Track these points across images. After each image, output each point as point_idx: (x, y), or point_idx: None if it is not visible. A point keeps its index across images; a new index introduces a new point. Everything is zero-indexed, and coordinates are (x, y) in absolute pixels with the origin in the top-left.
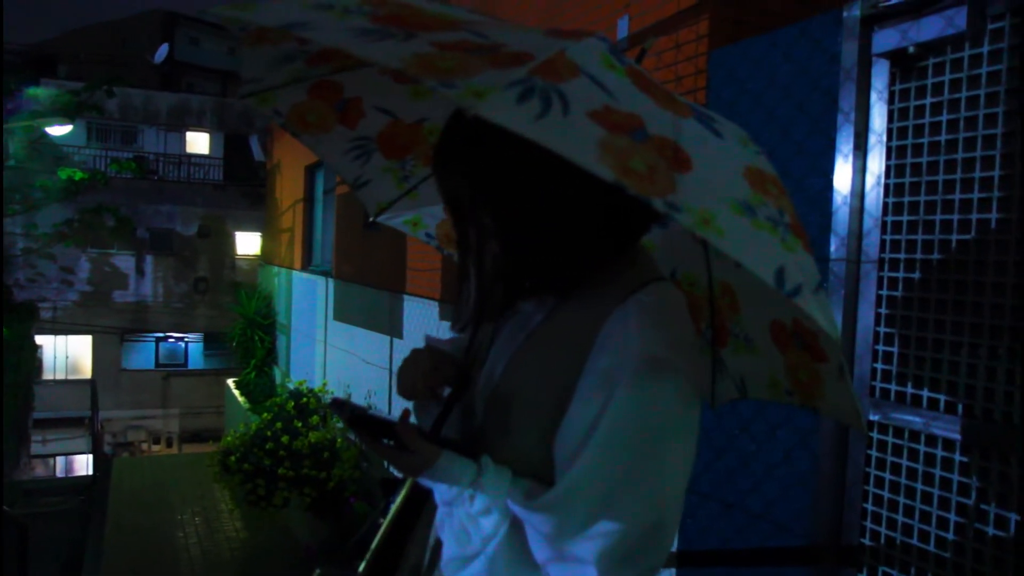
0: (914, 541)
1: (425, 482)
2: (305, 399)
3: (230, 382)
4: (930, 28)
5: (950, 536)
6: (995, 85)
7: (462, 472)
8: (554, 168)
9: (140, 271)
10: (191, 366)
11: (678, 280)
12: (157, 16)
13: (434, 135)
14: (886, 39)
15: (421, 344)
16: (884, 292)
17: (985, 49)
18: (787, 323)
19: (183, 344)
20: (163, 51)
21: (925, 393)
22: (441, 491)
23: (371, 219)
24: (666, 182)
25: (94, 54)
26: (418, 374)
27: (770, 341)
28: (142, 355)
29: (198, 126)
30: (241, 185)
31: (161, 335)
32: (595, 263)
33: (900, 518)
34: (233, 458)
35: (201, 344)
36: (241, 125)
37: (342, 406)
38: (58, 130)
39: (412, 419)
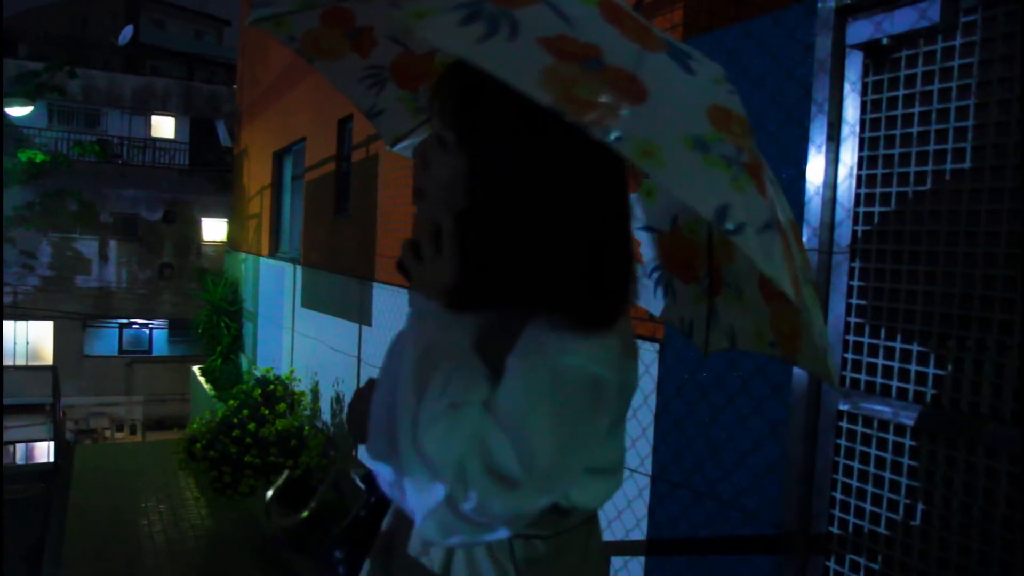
0: (882, 529)
1: (415, 303)
2: (272, 386)
3: (195, 369)
4: (903, 20)
5: (917, 524)
6: (967, 78)
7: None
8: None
9: (103, 256)
10: (155, 353)
11: (679, 226)
12: None
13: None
14: (860, 30)
15: (392, 331)
16: (855, 283)
17: (958, 42)
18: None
19: (147, 331)
20: (127, 33)
21: (894, 383)
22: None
23: (388, 148)
24: (609, 111)
25: (56, 34)
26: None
27: (758, 292)
28: (105, 341)
29: (163, 110)
30: (207, 170)
31: (125, 321)
32: (544, 300)
33: (868, 506)
34: (199, 445)
35: (166, 331)
36: (207, 110)
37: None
38: (18, 111)
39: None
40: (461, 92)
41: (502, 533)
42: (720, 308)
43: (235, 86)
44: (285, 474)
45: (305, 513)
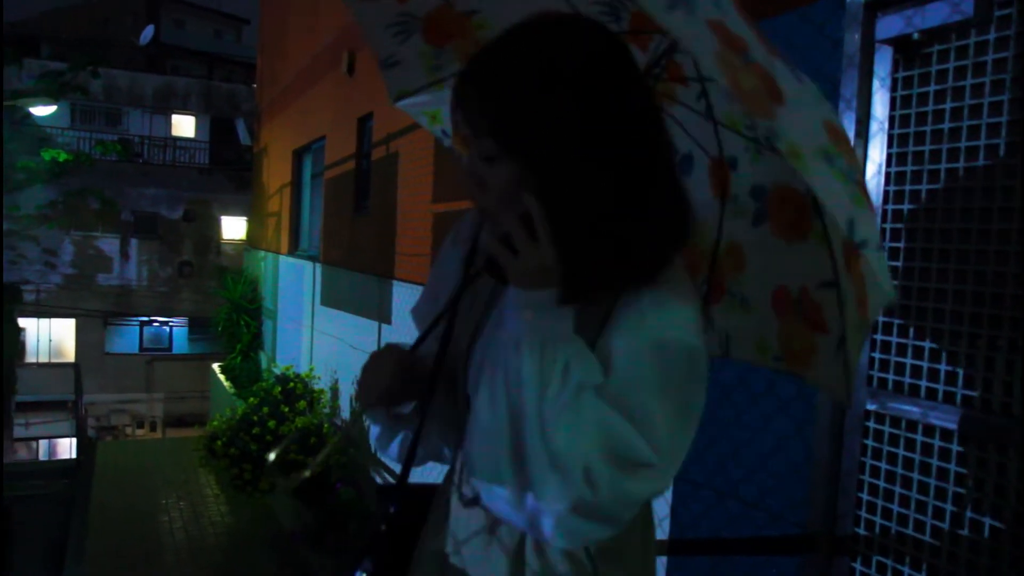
0: (909, 530)
1: (513, 299)
2: (292, 384)
3: (215, 367)
4: (935, 14)
5: (945, 526)
6: (1001, 73)
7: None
8: (623, 145)
9: (125, 254)
10: (176, 350)
11: None
12: None
13: (482, 29)
14: (890, 25)
15: (412, 328)
16: None
17: (991, 36)
18: (793, 292)
19: (168, 328)
20: (148, 32)
21: (923, 383)
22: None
23: (392, 102)
24: (767, 107)
25: (77, 34)
26: (385, 379)
27: (769, 305)
28: (126, 339)
29: (184, 109)
30: (227, 169)
31: (145, 319)
32: (629, 275)
33: (895, 507)
34: (219, 442)
35: (186, 329)
36: (228, 108)
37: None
38: (41, 111)
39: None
40: (496, 96)
41: (627, 521)
42: (716, 315)
43: (255, 85)
44: (287, 440)
45: (307, 472)
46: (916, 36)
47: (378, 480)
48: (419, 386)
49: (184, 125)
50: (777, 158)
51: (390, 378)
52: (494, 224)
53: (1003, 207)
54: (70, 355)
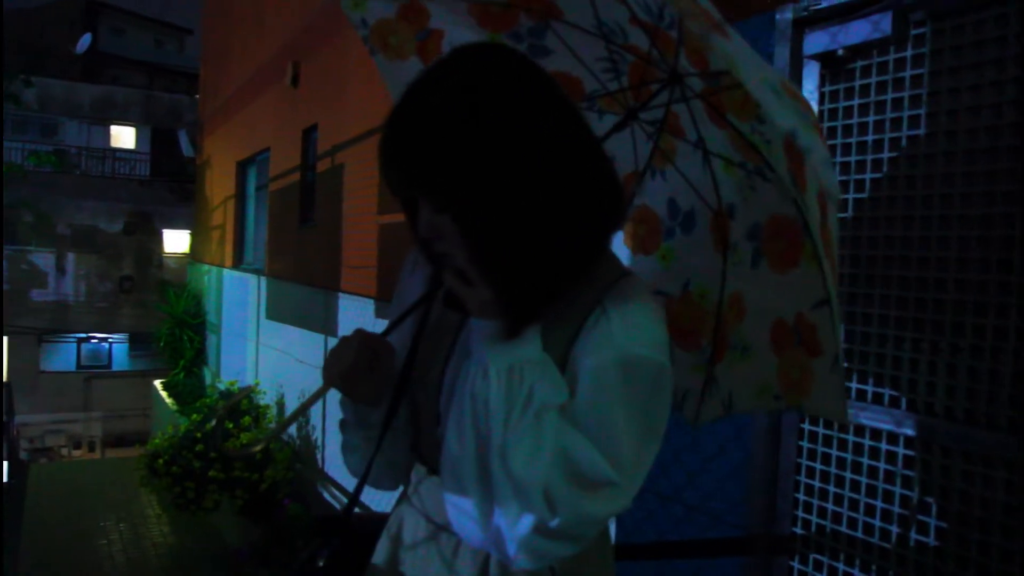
0: (843, 528)
1: (477, 329)
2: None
3: (157, 383)
4: (858, 32)
5: (878, 523)
6: (918, 88)
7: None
8: (528, 168)
9: (61, 269)
10: (115, 367)
11: (690, 292)
12: (79, 4)
13: None
14: (816, 41)
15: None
16: None
17: (908, 53)
18: (789, 320)
19: (107, 345)
20: (85, 41)
21: (854, 385)
22: (489, 348)
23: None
24: (718, 29)
25: (11, 42)
26: (349, 357)
27: (768, 344)
28: (62, 356)
29: (124, 120)
30: (169, 181)
31: (83, 335)
32: (572, 276)
33: (831, 506)
34: (161, 461)
35: (126, 345)
36: (169, 119)
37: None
38: None
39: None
40: (404, 152)
41: (591, 538)
42: (720, 375)
43: (197, 95)
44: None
45: (258, 448)
46: (841, 52)
47: (326, 495)
48: (383, 374)
49: (124, 136)
50: (768, 187)
51: (354, 355)
52: (452, 261)
53: (923, 215)
54: (1, 374)
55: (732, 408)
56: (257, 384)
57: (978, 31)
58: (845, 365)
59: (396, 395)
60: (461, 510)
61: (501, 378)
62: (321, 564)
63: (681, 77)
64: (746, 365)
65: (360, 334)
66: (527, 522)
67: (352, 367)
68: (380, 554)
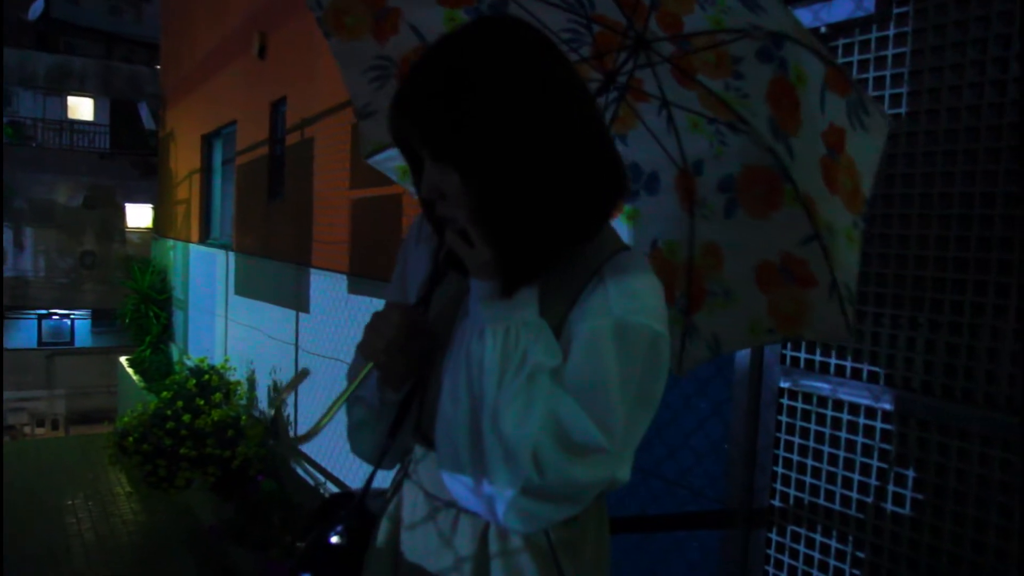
0: (821, 500)
1: (475, 290)
2: (207, 376)
3: (123, 360)
4: (840, 9)
5: (855, 495)
6: (900, 67)
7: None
8: (537, 135)
9: (19, 244)
10: (78, 344)
11: (659, 248)
12: None
13: None
14: (799, 19)
15: (330, 317)
16: None
17: (891, 32)
18: (775, 260)
19: (69, 321)
20: (38, 7)
21: (832, 360)
22: (487, 306)
23: (364, 158)
24: None
25: None
26: (391, 330)
27: (754, 285)
28: (23, 333)
29: (81, 90)
30: (131, 154)
31: (44, 312)
32: (572, 241)
33: (808, 479)
34: (131, 439)
35: (89, 321)
36: (129, 91)
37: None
38: None
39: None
40: (418, 109)
41: (582, 504)
42: (700, 322)
43: (158, 67)
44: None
45: (315, 433)
46: (823, 30)
47: (299, 471)
48: (418, 349)
49: (82, 108)
50: (742, 139)
51: (395, 330)
52: (454, 224)
53: (903, 194)
54: None
55: (720, 349)
56: (227, 360)
57: (961, 10)
58: (852, 290)
59: (423, 373)
60: (455, 472)
61: (497, 339)
62: (335, 541)
63: (648, 43)
64: (731, 308)
65: (399, 308)
66: (515, 483)
67: (393, 342)
68: (380, 536)
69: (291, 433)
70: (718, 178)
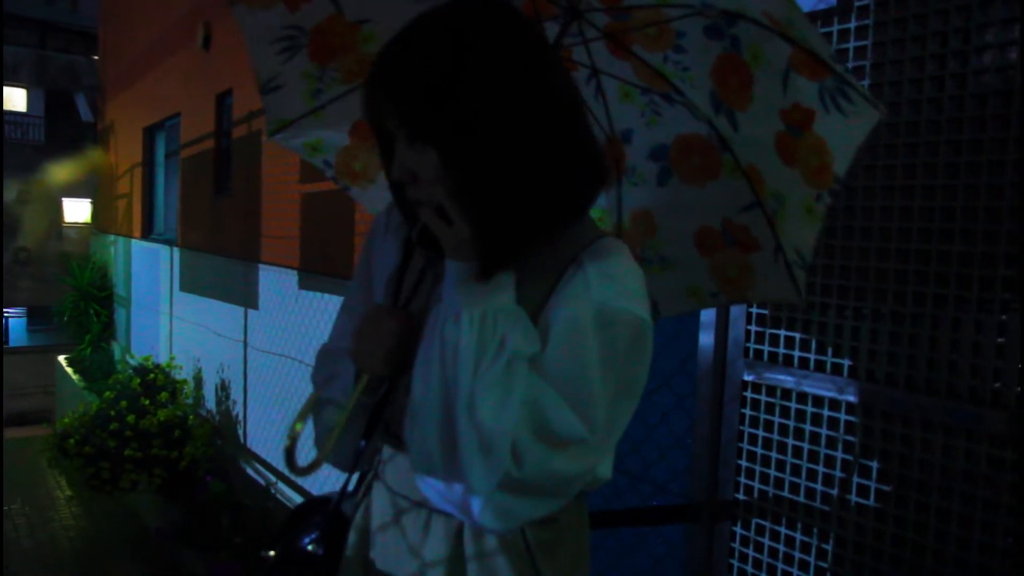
0: (785, 493)
1: (451, 273)
2: (152, 375)
3: (61, 359)
4: (803, 1)
5: (819, 487)
6: (861, 59)
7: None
8: (522, 114)
9: None
10: (13, 343)
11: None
12: None
13: (368, 43)
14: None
15: (281, 313)
16: None
17: (852, 24)
18: (716, 226)
19: (2, 320)
20: None
21: (796, 353)
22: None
23: (268, 136)
24: None
25: None
26: (389, 340)
27: (694, 251)
28: None
29: (13, 81)
30: (68, 147)
31: None
32: (553, 223)
33: (773, 472)
34: (72, 441)
35: (24, 320)
36: (65, 82)
37: None
38: None
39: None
40: (398, 86)
41: (562, 500)
42: None
43: (96, 57)
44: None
45: (323, 459)
46: None
47: (249, 471)
48: (415, 348)
49: (15, 98)
50: (678, 109)
51: (394, 338)
52: (430, 203)
53: (865, 186)
54: None
55: (659, 314)
56: (173, 359)
57: (921, 4)
58: (805, 257)
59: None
60: (426, 468)
61: (474, 324)
62: (310, 549)
63: (581, 13)
64: (668, 274)
65: (391, 313)
66: (493, 476)
67: (393, 352)
68: (349, 544)
69: (239, 434)
70: (650, 147)
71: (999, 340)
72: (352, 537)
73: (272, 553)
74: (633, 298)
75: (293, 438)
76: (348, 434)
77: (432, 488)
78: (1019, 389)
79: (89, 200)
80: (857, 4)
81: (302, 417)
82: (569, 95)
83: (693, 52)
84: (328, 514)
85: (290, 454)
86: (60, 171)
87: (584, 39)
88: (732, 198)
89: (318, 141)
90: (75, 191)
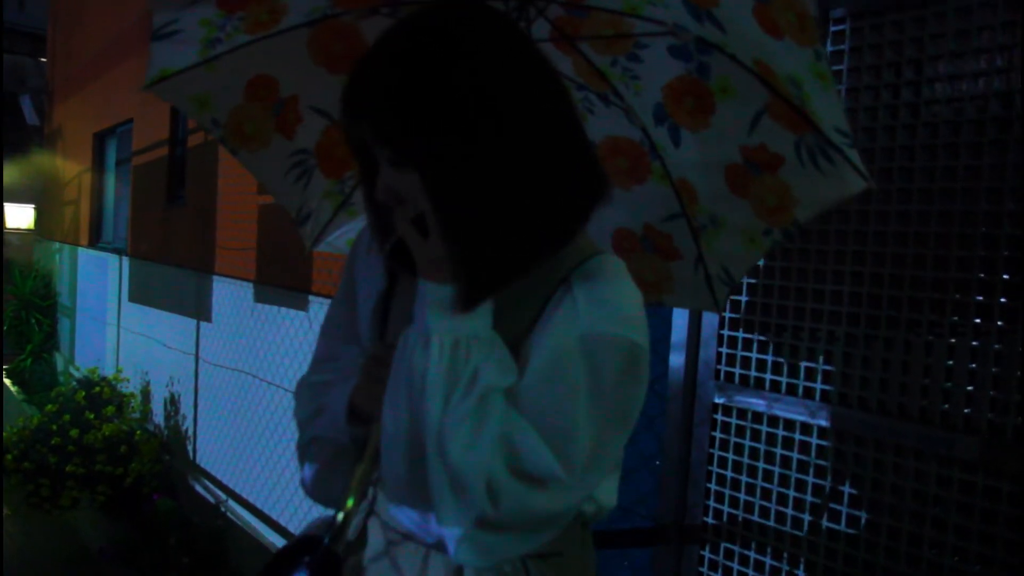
0: (755, 517)
1: (423, 294)
2: (98, 388)
3: None
4: None
5: (790, 512)
6: (837, 64)
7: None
8: (512, 133)
9: None
10: None
11: None
12: None
13: None
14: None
15: (236, 326)
16: None
17: (827, 49)
18: (636, 231)
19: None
20: None
21: (768, 376)
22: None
23: (143, 88)
24: None
25: None
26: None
27: (610, 250)
28: None
29: None
30: (10, 150)
31: None
32: (544, 251)
33: (743, 496)
34: (10, 456)
35: None
36: (10, 83)
37: None
38: None
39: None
40: (375, 106)
41: (545, 536)
42: None
43: (43, 59)
44: None
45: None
46: None
47: (198, 488)
48: None
49: None
50: (613, 111)
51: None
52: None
53: (840, 211)
54: None
55: None
56: (120, 371)
57: (897, 31)
58: (734, 277)
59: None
60: (398, 498)
61: (444, 352)
62: None
63: (532, 1)
64: None
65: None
66: (467, 515)
67: None
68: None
69: (188, 450)
70: None
71: (971, 366)
72: (346, 574)
73: None
74: (626, 323)
75: (348, 515)
76: (337, 471)
77: (410, 520)
78: (991, 415)
79: (33, 206)
80: (833, 29)
81: (354, 493)
82: (564, 105)
83: (650, 64)
84: (319, 554)
85: (341, 532)
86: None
87: (528, 23)
88: (657, 205)
89: (206, 96)
90: (17, 196)
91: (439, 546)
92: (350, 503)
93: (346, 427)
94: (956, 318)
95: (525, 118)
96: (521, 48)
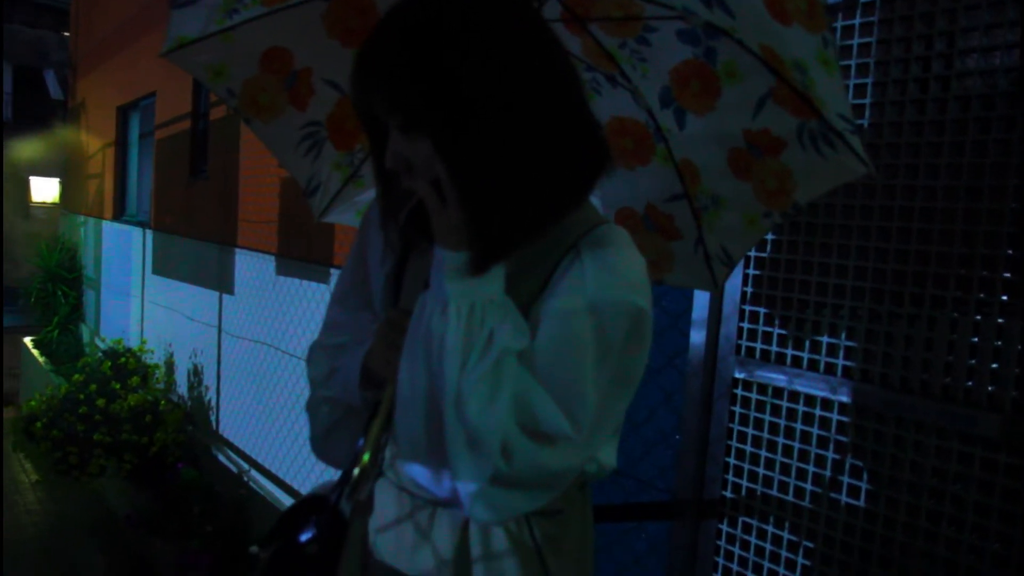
0: (774, 492)
1: (439, 261)
2: (123, 359)
3: (27, 341)
4: None
5: (809, 487)
6: (865, 56)
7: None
8: (526, 96)
9: None
10: None
11: None
12: None
13: None
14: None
15: (257, 298)
16: (752, 253)
17: (857, 21)
18: (639, 210)
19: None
20: None
21: (789, 351)
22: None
23: (160, 54)
24: None
25: None
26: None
27: None
28: None
29: None
30: (36, 125)
31: None
32: (553, 215)
33: (762, 471)
34: (39, 424)
35: None
36: (33, 57)
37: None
38: None
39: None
40: (386, 73)
41: (551, 494)
42: None
43: (67, 33)
44: None
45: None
46: None
47: (221, 458)
48: None
49: None
50: (620, 92)
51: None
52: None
53: (865, 185)
54: None
55: None
56: (144, 342)
57: (929, 2)
58: (732, 256)
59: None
60: (412, 456)
61: (461, 317)
62: (308, 550)
63: None
64: None
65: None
66: (483, 473)
67: None
68: (350, 545)
69: (211, 420)
70: None
71: (996, 343)
72: (352, 534)
73: (257, 549)
74: (632, 288)
75: (364, 470)
76: (347, 431)
77: (423, 476)
78: (1015, 393)
79: (58, 179)
80: (863, 1)
81: (370, 448)
82: (569, 76)
83: (658, 47)
84: (327, 513)
85: (358, 486)
86: (27, 149)
87: (540, 1)
88: (660, 186)
89: (222, 66)
90: (43, 170)
91: (446, 503)
92: (366, 458)
93: (358, 390)
94: (982, 295)
95: (533, 86)
96: (530, 22)
